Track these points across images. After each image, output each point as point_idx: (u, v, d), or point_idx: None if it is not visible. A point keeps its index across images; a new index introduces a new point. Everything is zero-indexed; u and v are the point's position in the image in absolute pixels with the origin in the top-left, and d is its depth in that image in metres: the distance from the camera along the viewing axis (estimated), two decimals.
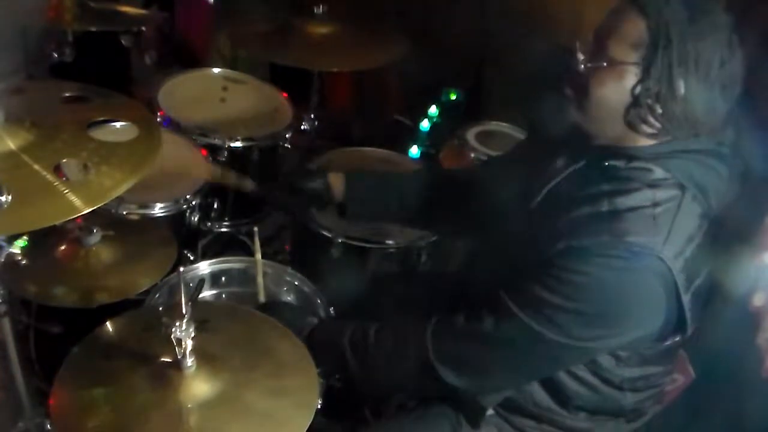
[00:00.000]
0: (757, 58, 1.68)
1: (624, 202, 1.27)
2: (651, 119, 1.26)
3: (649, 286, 1.25)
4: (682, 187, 1.28)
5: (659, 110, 1.25)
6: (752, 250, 1.49)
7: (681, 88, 1.22)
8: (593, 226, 1.26)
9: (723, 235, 1.42)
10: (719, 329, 1.56)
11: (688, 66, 1.22)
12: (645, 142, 1.30)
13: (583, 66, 1.30)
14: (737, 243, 1.50)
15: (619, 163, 1.31)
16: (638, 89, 1.25)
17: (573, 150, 1.39)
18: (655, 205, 1.26)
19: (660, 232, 1.24)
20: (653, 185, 1.28)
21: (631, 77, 1.25)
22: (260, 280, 1.72)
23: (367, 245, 2.01)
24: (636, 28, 1.24)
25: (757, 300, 1.50)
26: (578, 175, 1.37)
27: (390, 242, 2.00)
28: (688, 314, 1.29)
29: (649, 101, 1.25)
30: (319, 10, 2.60)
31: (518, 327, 1.30)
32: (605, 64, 1.27)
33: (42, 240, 1.74)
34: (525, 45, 2.54)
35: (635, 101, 1.26)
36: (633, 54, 1.24)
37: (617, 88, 1.27)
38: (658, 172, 1.28)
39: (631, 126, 1.29)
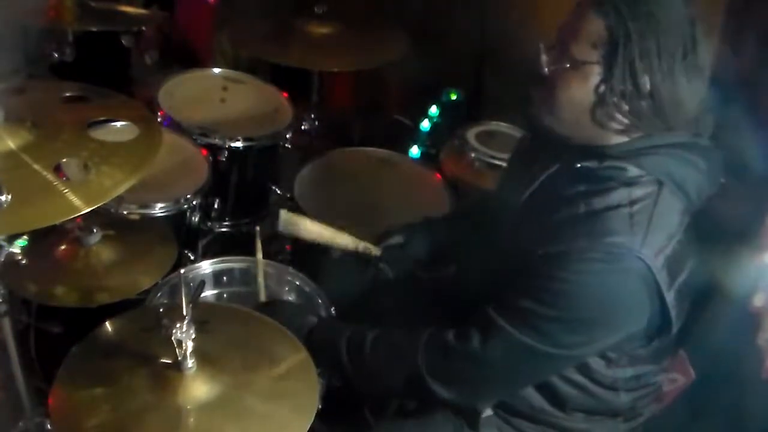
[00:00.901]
0: (757, 58, 1.68)
1: (600, 202, 1.26)
2: (619, 116, 1.26)
3: (631, 287, 1.25)
4: (658, 183, 1.27)
5: (626, 107, 1.24)
6: (752, 250, 1.49)
7: (646, 83, 1.22)
8: (571, 230, 1.26)
9: (723, 235, 1.42)
10: (719, 329, 1.56)
11: (651, 61, 1.20)
12: (617, 139, 1.30)
13: (547, 68, 1.30)
14: (737, 243, 1.50)
15: (592, 164, 1.30)
16: (602, 88, 1.24)
17: (550, 152, 1.38)
18: (632, 203, 1.25)
19: (638, 231, 1.23)
20: (629, 183, 1.27)
21: (594, 77, 1.25)
22: (261, 280, 1.72)
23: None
24: (595, 26, 1.23)
25: (757, 300, 1.50)
26: (555, 177, 1.37)
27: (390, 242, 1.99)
28: (672, 312, 1.29)
29: (615, 99, 1.24)
30: (319, 10, 2.61)
31: (505, 340, 1.29)
32: (568, 65, 1.26)
33: (42, 240, 1.74)
34: (525, 45, 2.54)
35: (600, 100, 1.25)
36: (594, 53, 1.24)
37: (582, 89, 1.26)
38: (632, 170, 1.27)
39: (600, 125, 1.28)
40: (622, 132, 1.28)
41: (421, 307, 1.66)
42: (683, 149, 1.29)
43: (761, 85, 1.62)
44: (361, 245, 1.72)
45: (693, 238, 1.33)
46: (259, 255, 1.74)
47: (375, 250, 1.73)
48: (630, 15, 1.21)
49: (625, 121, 1.26)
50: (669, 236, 1.27)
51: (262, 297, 1.71)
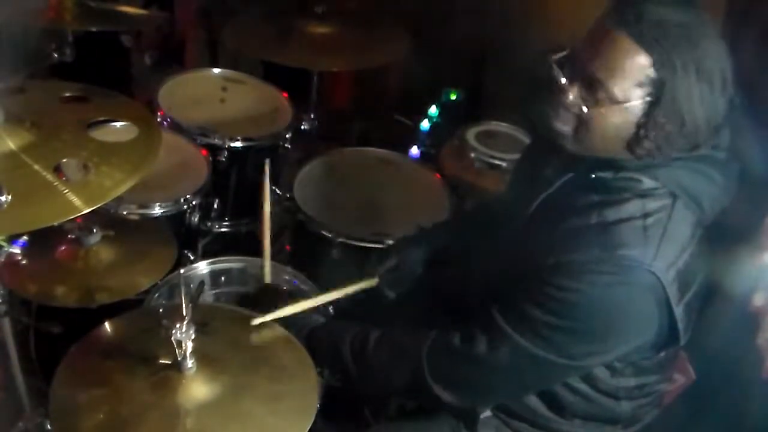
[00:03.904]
0: (757, 58, 1.68)
1: (614, 214, 1.25)
2: (649, 144, 1.22)
3: (641, 300, 1.24)
4: (673, 196, 1.26)
5: (663, 136, 1.21)
6: (752, 251, 1.49)
7: (686, 115, 1.19)
8: (583, 240, 1.25)
9: (723, 236, 1.41)
10: (719, 329, 1.56)
11: (692, 94, 1.18)
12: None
13: (581, 108, 1.24)
14: (737, 243, 1.50)
15: (607, 175, 1.28)
16: (644, 121, 1.21)
17: (563, 160, 1.36)
18: (646, 216, 1.24)
19: (650, 244, 1.22)
20: (643, 195, 1.25)
21: (636, 112, 1.21)
22: (267, 242, 1.68)
23: (367, 245, 2.01)
24: (639, 64, 1.18)
25: (757, 300, 1.50)
26: (568, 186, 1.35)
27: (390, 242, 2.00)
28: (680, 325, 1.28)
29: (655, 133, 1.21)
30: (319, 10, 2.61)
31: (511, 347, 1.29)
32: (607, 103, 1.21)
33: (42, 240, 1.74)
34: (525, 45, 2.54)
35: (643, 134, 1.22)
36: (639, 91, 1.20)
37: (622, 125, 1.23)
38: (647, 182, 1.26)
39: (631, 150, 1.25)
40: (647, 154, 1.25)
41: (423, 308, 1.66)
42: (699, 162, 1.28)
43: (761, 85, 1.62)
44: (352, 289, 1.67)
45: (705, 250, 1.32)
46: (267, 208, 1.68)
47: (369, 284, 1.69)
48: (673, 47, 1.17)
49: (655, 144, 1.22)
50: (681, 249, 1.26)
51: (267, 279, 1.68)
